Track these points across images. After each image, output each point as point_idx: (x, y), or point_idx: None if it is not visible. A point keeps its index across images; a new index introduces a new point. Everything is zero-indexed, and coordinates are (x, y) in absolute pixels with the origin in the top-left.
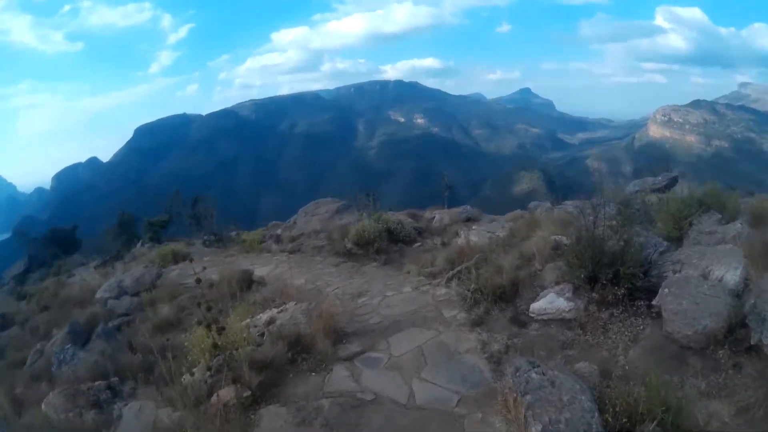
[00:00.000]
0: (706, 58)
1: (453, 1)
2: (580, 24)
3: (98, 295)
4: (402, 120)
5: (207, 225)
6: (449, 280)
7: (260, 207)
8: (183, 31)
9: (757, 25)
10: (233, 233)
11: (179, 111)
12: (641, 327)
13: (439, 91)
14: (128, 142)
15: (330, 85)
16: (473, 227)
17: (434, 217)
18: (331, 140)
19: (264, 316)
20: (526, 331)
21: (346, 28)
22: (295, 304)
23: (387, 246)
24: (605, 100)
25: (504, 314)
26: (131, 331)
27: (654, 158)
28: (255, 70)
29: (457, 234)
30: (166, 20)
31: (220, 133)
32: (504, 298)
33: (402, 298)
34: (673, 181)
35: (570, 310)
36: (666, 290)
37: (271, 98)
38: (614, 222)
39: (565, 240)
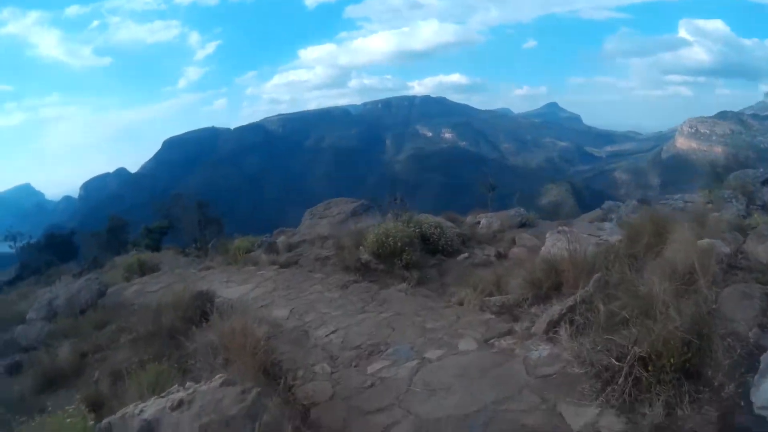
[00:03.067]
0: (731, 69)
1: (479, 18)
2: (604, 39)
3: (28, 315)
4: (430, 134)
5: (212, 233)
6: (553, 325)
7: (288, 220)
8: (210, 48)
9: None
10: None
11: (207, 125)
12: None
13: (466, 106)
14: (156, 154)
15: (358, 100)
16: (560, 228)
17: (479, 222)
18: (359, 154)
19: (151, 410)
20: None
21: (372, 45)
22: (221, 383)
23: (421, 258)
24: (632, 113)
25: (701, 412)
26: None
27: (680, 170)
28: (282, 86)
29: (513, 242)
30: (194, 37)
31: (248, 147)
32: (686, 370)
33: (460, 364)
34: None
35: None
36: None
37: (299, 113)
38: None
39: (723, 246)
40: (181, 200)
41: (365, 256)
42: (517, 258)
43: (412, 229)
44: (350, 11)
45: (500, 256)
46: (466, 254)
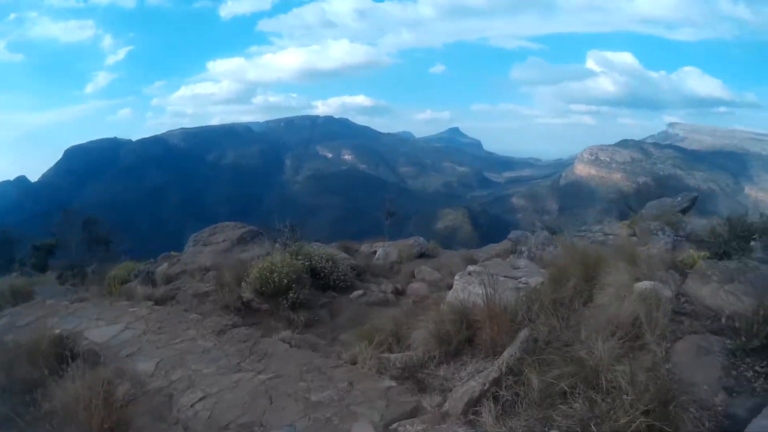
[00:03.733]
0: (636, 100)
1: (390, 40)
2: (512, 67)
3: None
4: (330, 156)
5: (99, 252)
6: (473, 404)
7: (186, 238)
8: (122, 53)
9: (687, 68)
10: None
11: (110, 134)
12: None
13: (368, 128)
14: (57, 163)
15: (261, 118)
16: (470, 268)
17: (375, 252)
18: (259, 173)
19: None
20: None
21: (281, 61)
22: None
23: (310, 296)
24: (533, 140)
25: None
26: None
27: (578, 196)
28: (188, 98)
29: (413, 276)
30: (107, 41)
31: (150, 160)
32: None
33: None
34: (693, 202)
35: None
36: None
37: (201, 128)
38: None
39: (664, 289)
40: (69, 216)
41: (247, 294)
42: (416, 294)
43: (301, 262)
44: (263, 25)
45: (398, 292)
46: (360, 291)
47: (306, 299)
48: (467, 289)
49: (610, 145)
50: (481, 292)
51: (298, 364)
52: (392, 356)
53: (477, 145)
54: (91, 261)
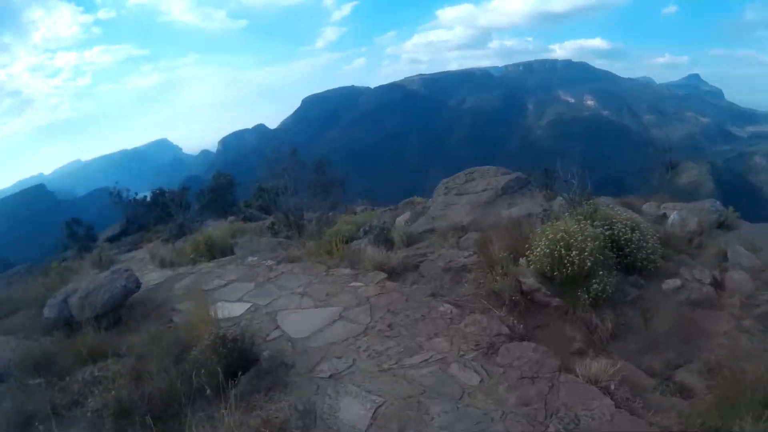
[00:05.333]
0: None
1: None
2: (744, 8)
3: (45, 313)
4: (571, 101)
5: (332, 195)
6: None
7: (427, 180)
8: (347, 9)
9: None
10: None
11: (347, 83)
12: None
13: (608, 72)
14: (295, 112)
15: (499, 62)
16: None
17: (665, 215)
18: (500, 118)
19: None
20: None
21: (510, 5)
22: None
23: (614, 286)
24: None
25: None
26: None
27: None
28: (422, 45)
29: (724, 258)
30: None
31: (388, 106)
32: None
33: None
34: None
35: None
36: None
37: (439, 73)
38: None
39: None
40: (297, 158)
41: (530, 280)
42: (740, 291)
43: (601, 230)
44: None
45: (716, 284)
46: (677, 281)
47: (610, 291)
48: None
49: None
50: None
51: None
52: None
53: (718, 94)
54: (319, 207)
